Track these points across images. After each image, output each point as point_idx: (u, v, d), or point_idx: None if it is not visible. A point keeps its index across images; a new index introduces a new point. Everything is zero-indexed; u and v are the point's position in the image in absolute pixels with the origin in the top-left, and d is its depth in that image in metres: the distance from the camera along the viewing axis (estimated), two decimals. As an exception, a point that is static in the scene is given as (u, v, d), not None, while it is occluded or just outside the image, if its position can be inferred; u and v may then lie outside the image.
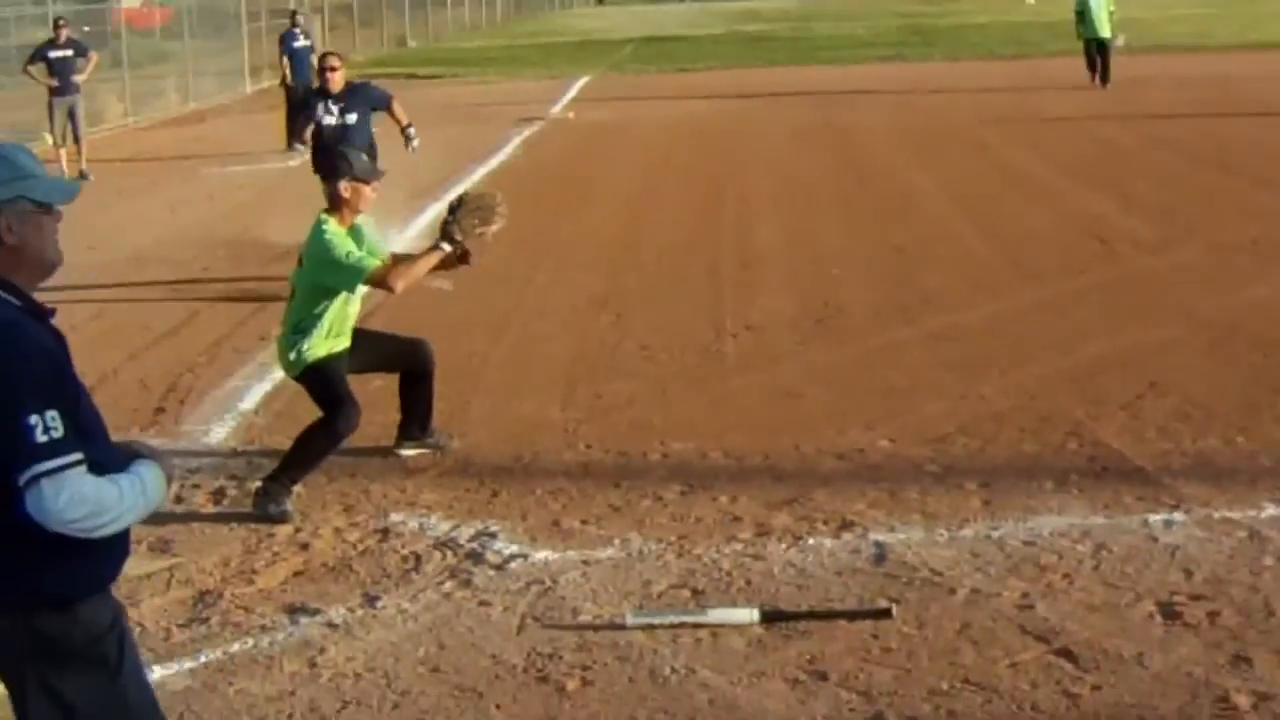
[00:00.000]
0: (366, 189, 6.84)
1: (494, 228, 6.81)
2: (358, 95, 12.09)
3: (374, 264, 6.71)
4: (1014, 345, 9.01)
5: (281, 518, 6.47)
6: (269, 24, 31.67)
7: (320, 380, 6.76)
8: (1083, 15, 25.42)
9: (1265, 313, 9.57)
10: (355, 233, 6.84)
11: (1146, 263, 11.32)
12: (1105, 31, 25.13)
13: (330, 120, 11.78)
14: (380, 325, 10.15)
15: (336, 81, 11.96)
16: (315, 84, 21.54)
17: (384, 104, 12.31)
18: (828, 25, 48.87)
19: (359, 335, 7.00)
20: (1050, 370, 8.43)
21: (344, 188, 6.80)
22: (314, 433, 6.72)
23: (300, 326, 6.76)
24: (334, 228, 6.77)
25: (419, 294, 11.09)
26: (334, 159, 7.24)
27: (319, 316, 6.72)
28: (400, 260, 6.93)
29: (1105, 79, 25.06)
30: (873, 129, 21.19)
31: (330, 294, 6.71)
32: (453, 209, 6.84)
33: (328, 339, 6.77)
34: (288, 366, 6.88)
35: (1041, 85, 25.81)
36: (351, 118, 11.81)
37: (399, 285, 6.79)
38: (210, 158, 20.90)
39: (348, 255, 6.67)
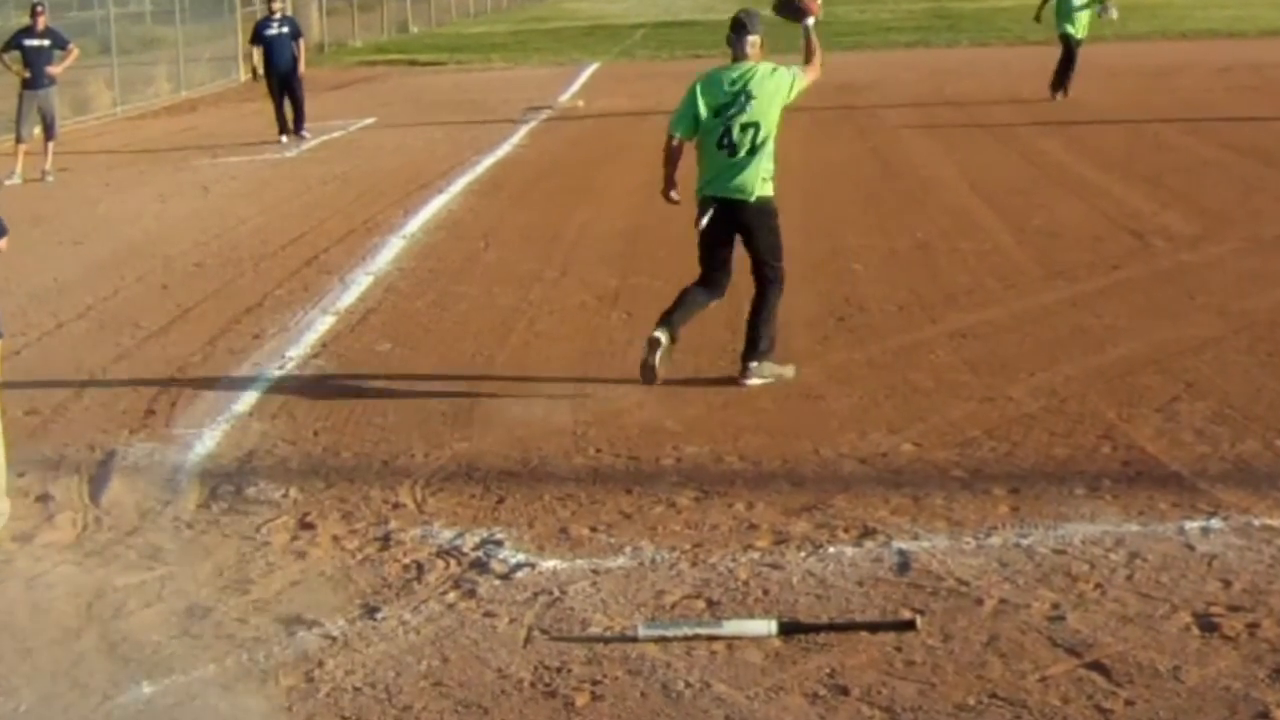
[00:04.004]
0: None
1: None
2: None
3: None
4: (1043, 344, 8.87)
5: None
6: (263, 9, 31.60)
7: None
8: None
9: (1306, 310, 9.43)
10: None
11: (1182, 258, 11.15)
12: (1080, 28, 21.80)
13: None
14: (380, 326, 10.07)
15: None
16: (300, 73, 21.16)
17: None
18: (850, 9, 48.63)
19: None
20: (1081, 371, 8.29)
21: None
22: (771, 295, 8.23)
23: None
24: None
25: (425, 293, 11.04)
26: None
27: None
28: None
29: (1060, 86, 21.84)
30: (896, 118, 21.09)
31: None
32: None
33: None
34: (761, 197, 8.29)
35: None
36: None
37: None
38: (202, 148, 20.78)
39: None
